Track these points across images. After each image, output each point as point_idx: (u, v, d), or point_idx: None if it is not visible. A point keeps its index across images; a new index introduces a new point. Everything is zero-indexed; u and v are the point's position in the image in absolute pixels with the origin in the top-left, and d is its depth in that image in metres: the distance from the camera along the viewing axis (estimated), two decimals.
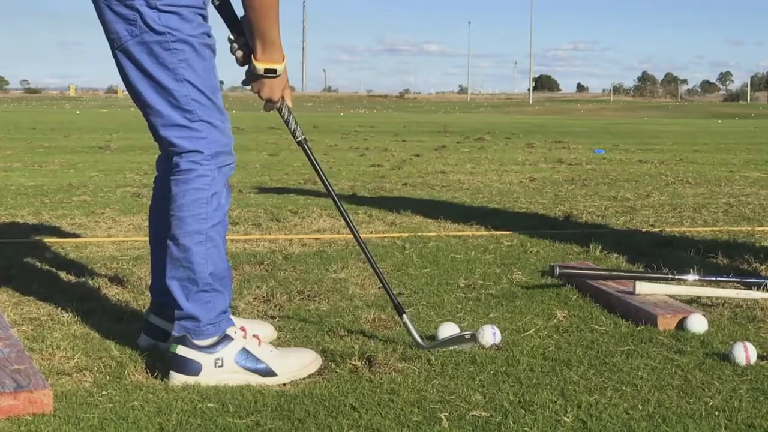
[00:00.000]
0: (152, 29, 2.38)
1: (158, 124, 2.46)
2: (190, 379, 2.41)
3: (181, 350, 2.42)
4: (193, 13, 2.42)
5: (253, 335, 2.53)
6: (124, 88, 2.62)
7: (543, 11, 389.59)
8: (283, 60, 2.50)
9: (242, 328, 2.52)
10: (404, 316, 2.72)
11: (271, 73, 2.51)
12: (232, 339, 2.46)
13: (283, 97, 2.61)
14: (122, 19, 2.40)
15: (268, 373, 2.44)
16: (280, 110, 2.64)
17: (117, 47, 2.44)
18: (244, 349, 2.46)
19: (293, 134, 2.71)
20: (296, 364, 2.47)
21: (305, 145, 2.72)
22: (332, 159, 11.13)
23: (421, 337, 2.72)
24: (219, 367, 2.43)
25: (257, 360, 2.45)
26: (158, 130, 2.47)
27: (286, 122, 2.68)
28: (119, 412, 2.18)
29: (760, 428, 2.10)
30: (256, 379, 2.43)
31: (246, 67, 2.55)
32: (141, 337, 2.74)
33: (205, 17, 2.47)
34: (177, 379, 2.41)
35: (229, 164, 2.51)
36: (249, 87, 2.58)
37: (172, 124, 2.44)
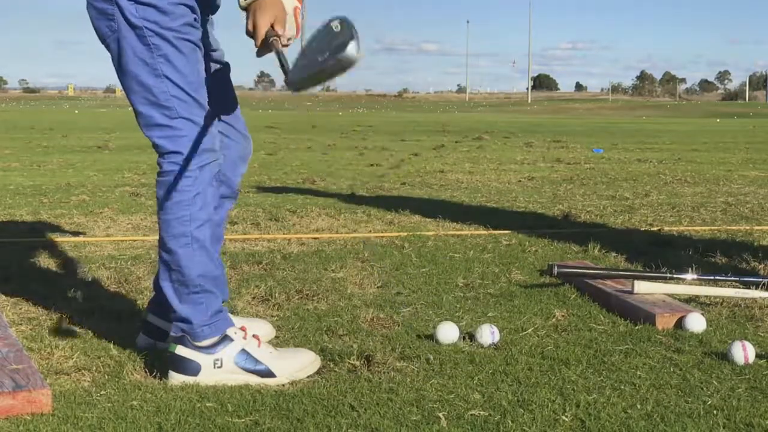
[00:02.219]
0: (130, 23, 2.35)
1: (141, 124, 2.44)
2: (189, 379, 2.40)
3: (180, 350, 2.42)
4: (172, 5, 2.36)
5: (253, 335, 2.53)
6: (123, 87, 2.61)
7: (541, 10, 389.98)
8: None
9: (242, 328, 2.52)
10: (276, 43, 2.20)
11: (250, 4, 2.28)
12: (232, 340, 2.46)
13: (274, 28, 2.27)
14: (103, 16, 2.38)
15: (267, 374, 2.44)
16: (277, 49, 2.19)
17: (104, 45, 2.44)
18: (243, 350, 2.45)
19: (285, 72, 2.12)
20: (295, 365, 2.47)
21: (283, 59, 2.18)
22: (331, 158, 11.12)
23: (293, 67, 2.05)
24: (218, 367, 2.42)
25: (256, 361, 2.45)
26: (142, 130, 2.45)
27: (280, 61, 2.16)
28: (118, 411, 2.18)
29: (759, 427, 2.10)
30: (254, 380, 2.43)
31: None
32: (140, 336, 2.74)
33: (191, 7, 2.41)
34: (176, 379, 2.41)
35: (213, 161, 2.46)
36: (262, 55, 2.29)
37: (152, 124, 2.41)
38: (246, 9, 2.29)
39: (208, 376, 2.41)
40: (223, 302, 2.55)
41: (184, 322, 2.44)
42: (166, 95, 2.38)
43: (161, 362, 2.50)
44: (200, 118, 2.42)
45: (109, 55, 2.46)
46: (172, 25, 2.37)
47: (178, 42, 2.38)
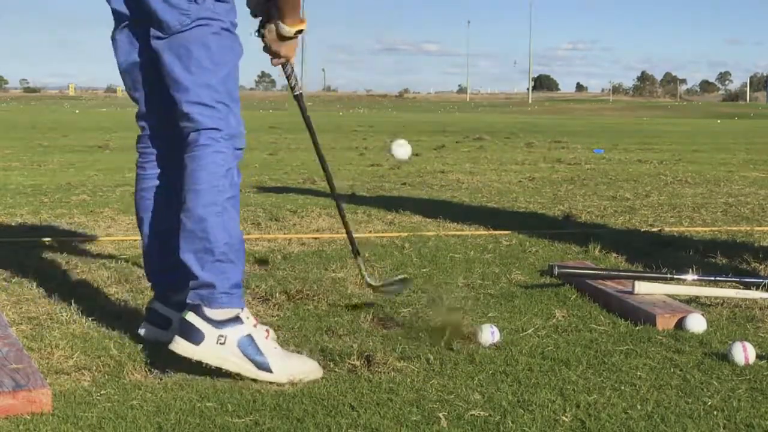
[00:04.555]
0: (207, 17, 2.48)
1: (183, 99, 2.50)
2: (189, 348, 2.39)
3: (191, 317, 2.42)
4: (233, 1, 2.55)
5: (265, 329, 2.52)
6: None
7: (542, 11, 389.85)
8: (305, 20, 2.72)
9: (256, 318, 2.53)
10: (359, 257, 3.19)
11: (299, 33, 2.72)
12: (242, 322, 2.45)
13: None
14: (176, 9, 2.46)
15: (265, 368, 2.42)
16: (284, 66, 2.88)
17: (157, 37, 2.49)
18: (249, 336, 2.44)
19: (292, 88, 2.97)
20: (295, 368, 2.44)
21: (301, 101, 2.99)
22: (331, 158, 11.09)
23: (371, 277, 3.21)
24: (221, 344, 2.41)
25: (259, 351, 2.43)
26: (181, 105, 2.51)
27: (288, 77, 2.93)
28: (118, 411, 2.18)
29: (759, 428, 2.10)
30: (250, 369, 2.41)
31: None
32: (143, 325, 2.74)
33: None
34: (179, 344, 2.40)
35: (242, 148, 2.60)
36: (270, 56, 2.80)
37: (197, 102, 2.49)
38: (287, 39, 2.74)
39: (207, 349, 2.40)
40: None
41: (205, 288, 2.44)
42: (220, 80, 2.51)
43: (161, 361, 2.50)
44: (236, 108, 2.58)
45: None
46: (233, 20, 2.55)
47: (234, 36, 2.56)
